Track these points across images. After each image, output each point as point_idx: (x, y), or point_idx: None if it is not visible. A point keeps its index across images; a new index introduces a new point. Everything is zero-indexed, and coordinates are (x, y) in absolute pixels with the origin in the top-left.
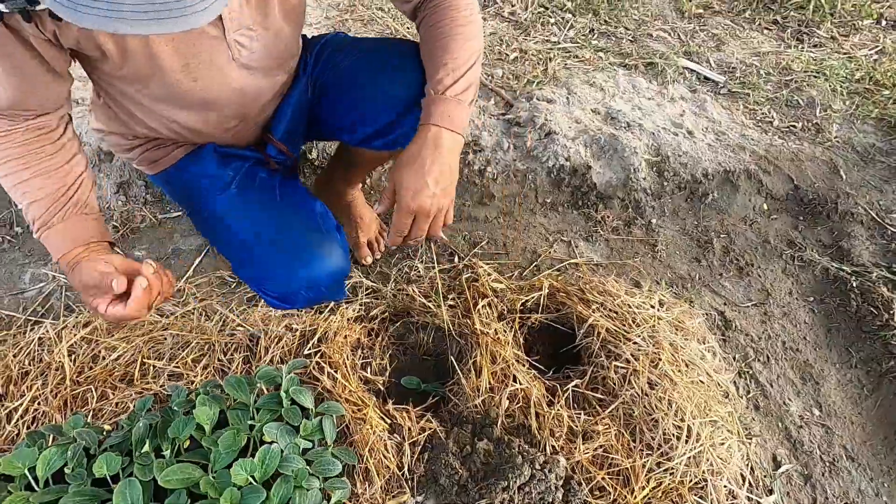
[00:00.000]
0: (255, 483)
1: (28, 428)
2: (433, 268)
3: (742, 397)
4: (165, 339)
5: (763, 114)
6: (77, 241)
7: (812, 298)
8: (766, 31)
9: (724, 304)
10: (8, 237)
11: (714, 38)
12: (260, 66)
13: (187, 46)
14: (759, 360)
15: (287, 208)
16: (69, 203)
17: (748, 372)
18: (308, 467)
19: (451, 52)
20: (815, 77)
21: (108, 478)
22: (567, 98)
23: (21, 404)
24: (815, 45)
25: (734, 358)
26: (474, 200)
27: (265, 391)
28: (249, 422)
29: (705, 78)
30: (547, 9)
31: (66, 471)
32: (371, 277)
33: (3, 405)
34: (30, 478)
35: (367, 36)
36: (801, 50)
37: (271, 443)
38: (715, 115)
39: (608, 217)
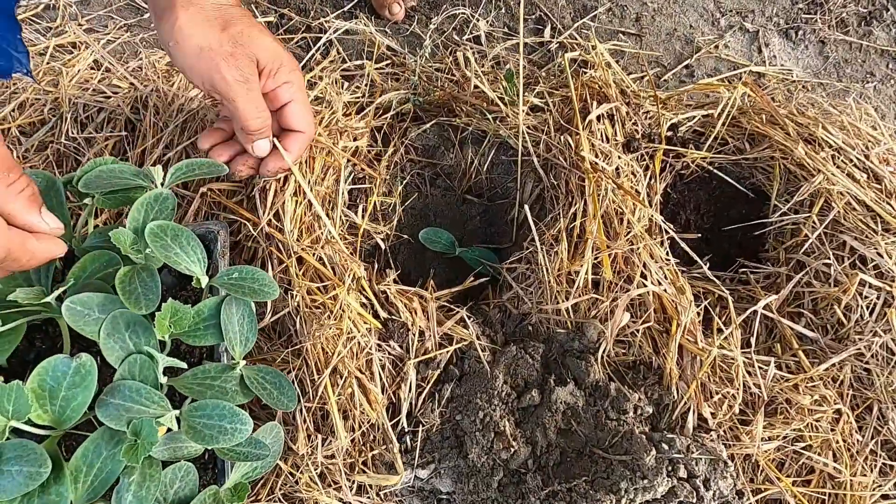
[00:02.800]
0: (32, 437)
1: None
2: (508, 38)
3: None
4: None
5: None
6: None
7: None
8: None
9: None
10: None
11: None
12: None
13: None
14: None
15: None
16: None
17: None
18: (173, 412)
19: None
20: None
21: None
22: None
23: None
24: None
25: None
26: None
27: (109, 221)
28: (22, 294)
29: None
30: None
31: None
32: (392, 36)
33: None
34: None
35: None
36: None
37: (88, 345)
38: None
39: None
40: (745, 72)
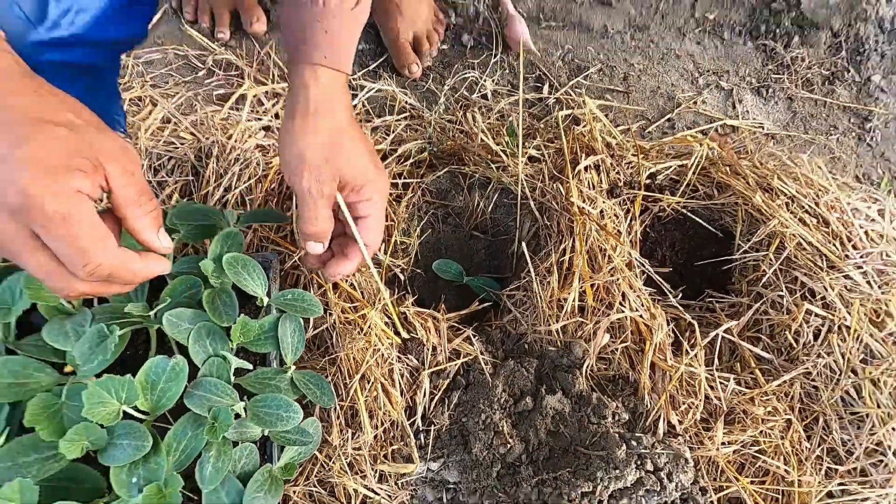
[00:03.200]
0: (135, 419)
1: None
2: (510, 94)
3: None
4: None
5: None
6: None
7: None
8: None
9: None
10: None
11: None
12: None
13: None
14: None
15: None
16: None
17: None
18: (242, 403)
19: None
20: None
21: None
22: None
23: None
24: None
25: None
26: None
27: (187, 253)
28: (133, 308)
29: None
30: None
31: None
32: (411, 94)
33: None
34: None
35: None
36: None
37: (179, 349)
38: None
39: (802, 60)
40: (720, 125)
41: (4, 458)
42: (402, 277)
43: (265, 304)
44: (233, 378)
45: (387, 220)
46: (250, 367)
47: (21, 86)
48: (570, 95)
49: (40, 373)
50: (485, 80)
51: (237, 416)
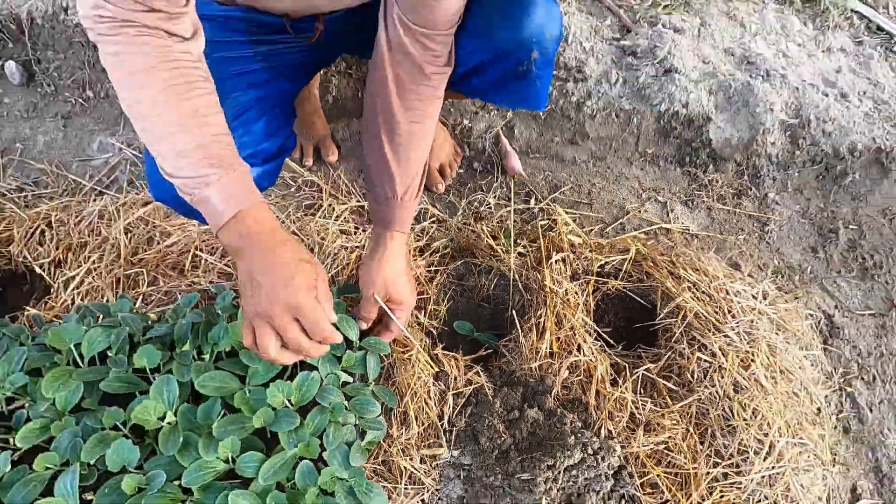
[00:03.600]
0: (290, 407)
1: (82, 299)
2: (506, 205)
3: (832, 416)
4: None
5: None
6: (243, 201)
7: None
8: None
9: (835, 307)
10: (80, 100)
11: None
12: None
13: None
14: (862, 377)
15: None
16: (227, 144)
17: (846, 389)
18: (346, 402)
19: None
20: None
21: (148, 369)
22: (699, 30)
23: (77, 275)
24: None
25: (833, 371)
26: (564, 138)
27: None
28: None
29: (878, 28)
30: None
31: (109, 354)
32: (438, 205)
33: (62, 271)
34: (75, 353)
35: None
36: None
37: (312, 368)
38: (881, 76)
39: (717, 182)
40: (658, 228)
41: (223, 426)
42: (434, 333)
43: (357, 345)
44: (341, 386)
45: (423, 295)
46: (351, 380)
47: (282, 240)
48: (549, 206)
49: (232, 381)
50: (489, 197)
51: (346, 408)
